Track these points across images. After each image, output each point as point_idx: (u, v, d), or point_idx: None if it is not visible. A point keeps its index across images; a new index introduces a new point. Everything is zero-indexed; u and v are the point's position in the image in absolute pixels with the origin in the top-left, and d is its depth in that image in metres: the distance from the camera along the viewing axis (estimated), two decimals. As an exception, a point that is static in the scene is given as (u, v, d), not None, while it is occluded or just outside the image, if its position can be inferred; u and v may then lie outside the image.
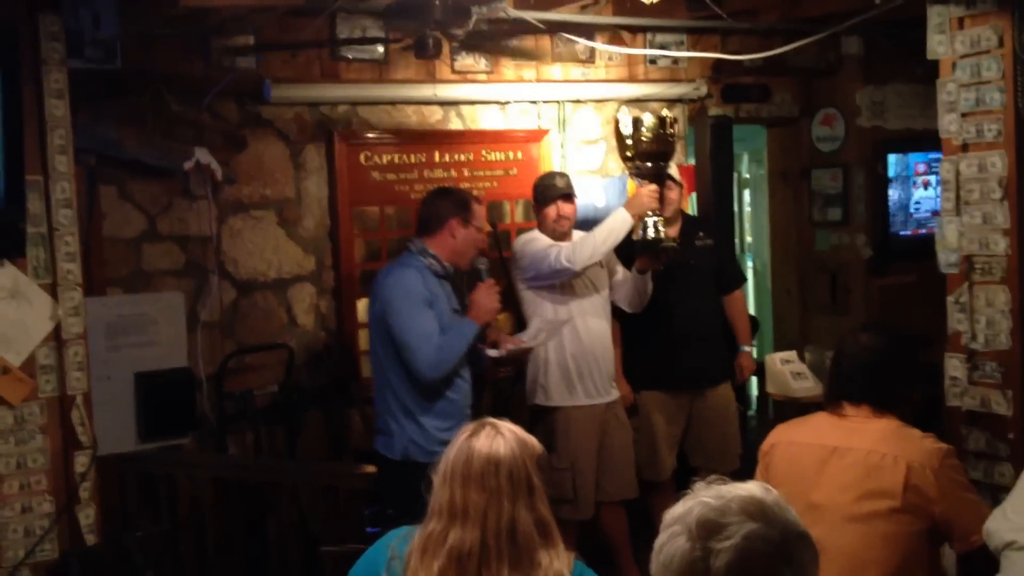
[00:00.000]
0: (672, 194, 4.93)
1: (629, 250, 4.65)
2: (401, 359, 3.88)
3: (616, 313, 4.82)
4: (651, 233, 4.47)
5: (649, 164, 4.47)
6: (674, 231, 5.00)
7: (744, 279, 5.40)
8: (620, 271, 4.74)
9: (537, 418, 4.56)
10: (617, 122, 4.51)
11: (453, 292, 4.06)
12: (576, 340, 4.57)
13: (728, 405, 5.08)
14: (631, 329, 4.89)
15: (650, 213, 4.46)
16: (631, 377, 4.93)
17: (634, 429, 4.94)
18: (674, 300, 4.89)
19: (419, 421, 3.89)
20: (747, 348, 5.29)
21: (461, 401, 3.98)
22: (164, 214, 4.68)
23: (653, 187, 4.45)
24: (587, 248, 4.39)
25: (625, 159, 4.55)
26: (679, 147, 5.94)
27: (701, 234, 5.10)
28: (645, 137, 4.43)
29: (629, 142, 4.45)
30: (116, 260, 4.56)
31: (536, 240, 4.59)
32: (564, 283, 4.54)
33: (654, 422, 4.93)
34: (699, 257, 5.01)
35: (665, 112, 4.69)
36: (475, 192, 5.20)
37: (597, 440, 4.62)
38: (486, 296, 3.94)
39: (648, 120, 4.43)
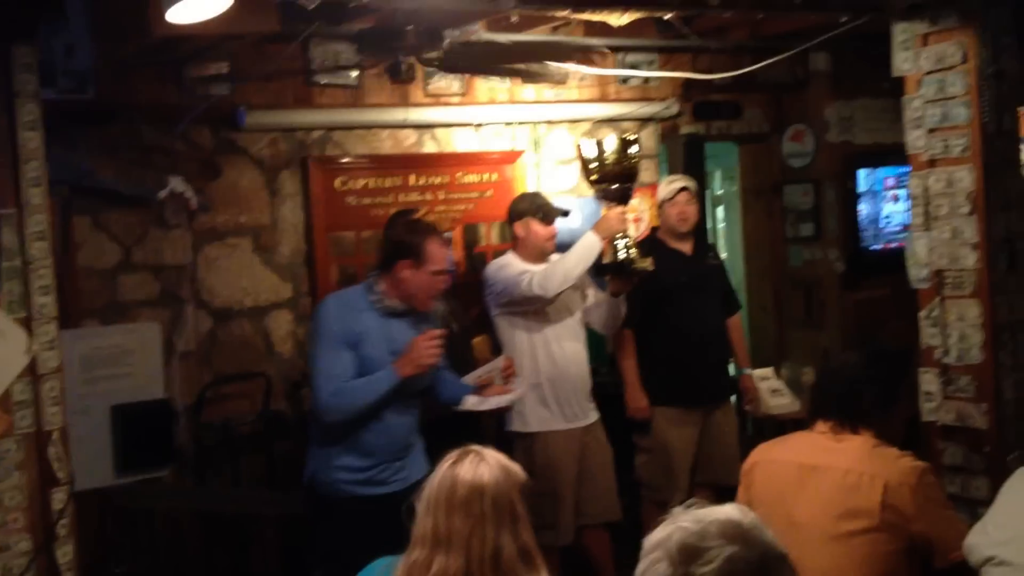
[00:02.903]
0: (692, 209, 5.03)
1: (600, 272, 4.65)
2: None
3: (629, 323, 4.80)
4: (622, 255, 4.46)
5: (615, 186, 4.47)
6: (688, 247, 5.05)
7: (740, 305, 5.47)
8: (591, 293, 4.74)
9: (515, 444, 4.55)
10: (580, 147, 4.53)
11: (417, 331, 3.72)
12: (551, 364, 4.57)
13: (733, 421, 5.18)
14: (648, 344, 4.91)
15: (620, 235, 4.45)
16: (647, 392, 4.93)
17: (646, 450, 4.95)
18: (691, 316, 4.92)
19: (325, 449, 3.66)
20: (749, 371, 5.35)
21: (379, 444, 3.64)
22: (139, 244, 4.67)
23: (620, 209, 4.44)
24: (559, 275, 4.37)
25: (591, 183, 4.56)
26: (653, 165, 6.00)
27: (711, 254, 5.17)
28: (609, 159, 4.43)
29: (594, 165, 4.46)
30: (91, 291, 4.54)
31: (509, 266, 4.58)
32: (538, 307, 4.54)
33: (670, 440, 4.92)
34: (711, 275, 5.06)
35: (627, 133, 4.70)
36: (451, 215, 5.24)
37: (577, 464, 4.61)
38: (420, 346, 3.56)
39: (610, 143, 4.44)
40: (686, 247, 5.05)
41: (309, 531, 3.77)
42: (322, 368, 3.56)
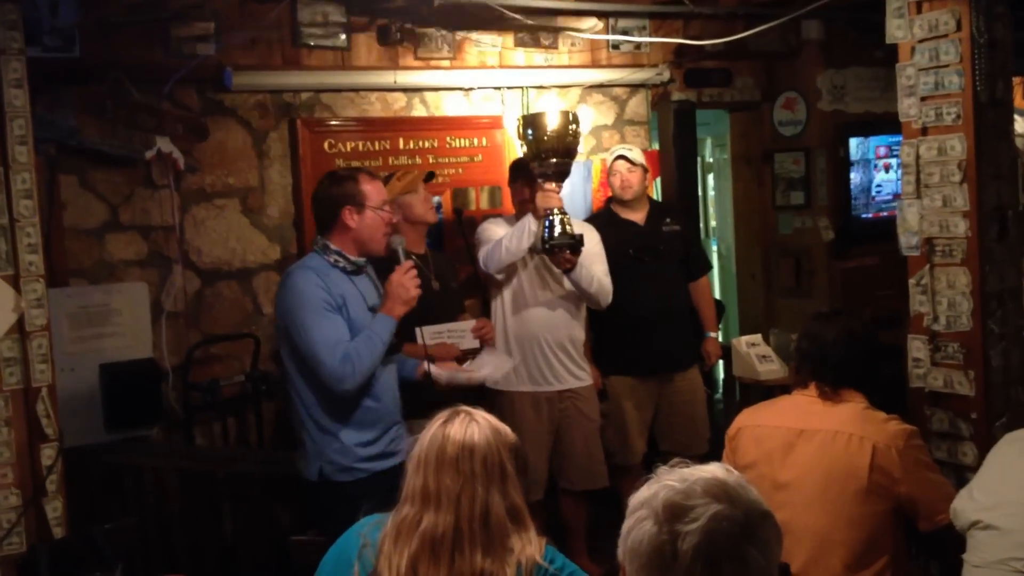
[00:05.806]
0: (634, 177, 4.96)
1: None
2: (310, 371, 3.41)
3: None
4: (557, 231, 4.40)
5: (553, 160, 4.39)
6: (640, 216, 5.03)
7: (710, 266, 5.43)
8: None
9: (486, 401, 4.56)
10: (519, 123, 4.47)
11: (379, 284, 3.65)
12: (520, 325, 4.62)
13: (696, 390, 5.13)
14: (600, 315, 4.90)
15: (556, 211, 4.39)
16: (600, 362, 4.95)
17: (603, 414, 4.96)
18: (642, 286, 4.91)
19: (337, 436, 3.44)
20: (713, 334, 5.32)
21: (384, 409, 3.52)
22: (126, 204, 4.63)
23: (550, 186, 4.40)
24: (498, 254, 4.48)
25: (529, 159, 4.49)
26: (643, 132, 5.98)
27: (668, 220, 5.12)
28: (547, 136, 4.37)
29: (530, 140, 4.40)
30: (78, 251, 4.51)
31: (486, 230, 4.67)
32: (516, 271, 4.59)
33: (624, 407, 4.96)
34: (666, 242, 5.04)
35: (566, 108, 4.62)
36: (440, 178, 5.21)
37: (547, 426, 4.66)
38: (400, 282, 3.46)
39: (550, 119, 4.37)
40: (638, 216, 5.03)
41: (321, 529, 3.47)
42: (318, 339, 3.34)
